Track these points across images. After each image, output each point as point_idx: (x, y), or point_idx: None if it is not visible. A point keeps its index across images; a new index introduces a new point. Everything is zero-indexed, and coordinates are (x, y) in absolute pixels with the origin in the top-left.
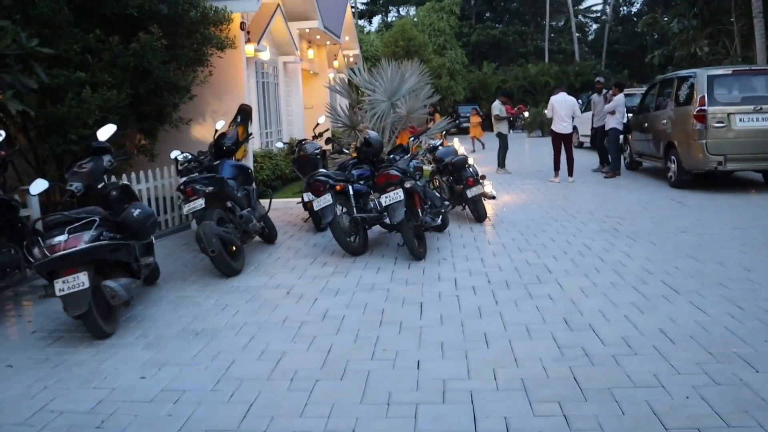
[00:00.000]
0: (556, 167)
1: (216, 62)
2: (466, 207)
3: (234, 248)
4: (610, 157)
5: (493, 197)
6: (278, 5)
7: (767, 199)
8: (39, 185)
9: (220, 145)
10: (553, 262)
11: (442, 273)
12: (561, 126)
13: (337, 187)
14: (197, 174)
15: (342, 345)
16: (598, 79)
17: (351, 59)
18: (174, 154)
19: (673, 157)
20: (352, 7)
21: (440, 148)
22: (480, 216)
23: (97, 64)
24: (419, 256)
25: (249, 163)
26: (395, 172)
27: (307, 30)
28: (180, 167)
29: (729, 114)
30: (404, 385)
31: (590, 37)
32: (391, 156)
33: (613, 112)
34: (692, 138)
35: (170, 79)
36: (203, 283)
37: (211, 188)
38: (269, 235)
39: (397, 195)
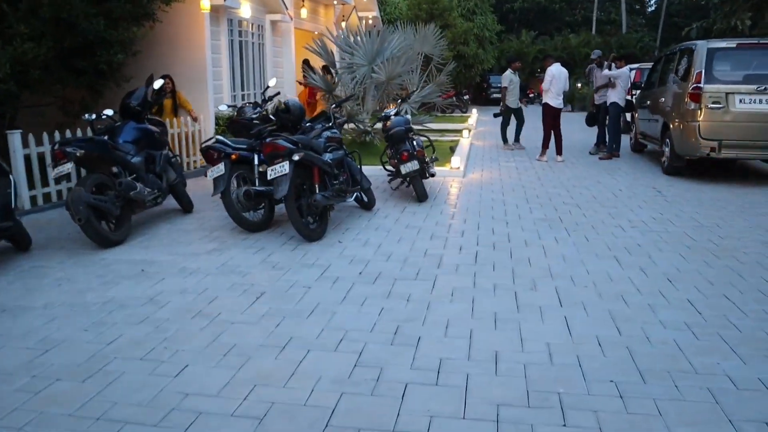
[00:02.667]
0: (545, 145)
1: (173, 17)
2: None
3: (116, 217)
4: (608, 136)
5: (432, 175)
6: None
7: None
8: None
9: (125, 105)
10: (455, 254)
11: (322, 258)
12: (557, 100)
13: (233, 156)
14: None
15: (142, 331)
16: (594, 53)
17: (370, 21)
18: (88, 116)
19: (668, 140)
20: None
21: (393, 117)
22: (418, 195)
23: (14, 14)
24: (309, 237)
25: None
26: (283, 143)
27: None
28: (99, 127)
29: (727, 94)
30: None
31: (650, 9)
32: (308, 124)
33: (614, 86)
34: (686, 119)
35: (101, 33)
36: (71, 254)
37: (82, 151)
38: (185, 205)
39: (282, 168)
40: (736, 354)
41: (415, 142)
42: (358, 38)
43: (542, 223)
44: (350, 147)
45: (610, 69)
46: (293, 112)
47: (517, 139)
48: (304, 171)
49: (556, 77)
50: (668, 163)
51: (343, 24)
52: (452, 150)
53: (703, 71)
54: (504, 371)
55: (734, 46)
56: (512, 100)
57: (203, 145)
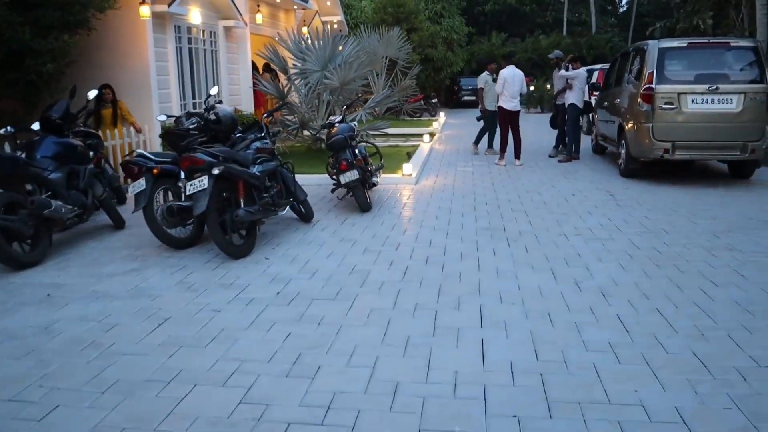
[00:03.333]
0: (503, 149)
1: (114, 25)
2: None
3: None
4: (567, 138)
5: (374, 185)
6: None
7: (723, 195)
8: None
9: (46, 118)
10: (383, 270)
11: (243, 277)
12: (511, 103)
13: (154, 170)
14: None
15: (22, 366)
16: (553, 54)
17: (335, 26)
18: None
19: (623, 142)
20: None
21: (338, 124)
22: (360, 205)
23: None
24: (233, 254)
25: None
26: (201, 156)
27: None
28: (18, 142)
29: (679, 94)
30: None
31: (622, 9)
32: (238, 135)
33: (571, 87)
34: (639, 120)
35: (27, 43)
36: None
37: None
38: (115, 221)
39: (201, 183)
40: (657, 379)
41: (357, 150)
42: (311, 43)
43: (485, 233)
44: (305, 155)
45: (567, 70)
46: (224, 122)
47: (490, 144)
48: (227, 185)
49: (508, 80)
50: (624, 165)
51: (305, 29)
52: (409, 156)
53: (655, 71)
54: (399, 407)
55: (685, 45)
56: (489, 102)
57: (123, 160)
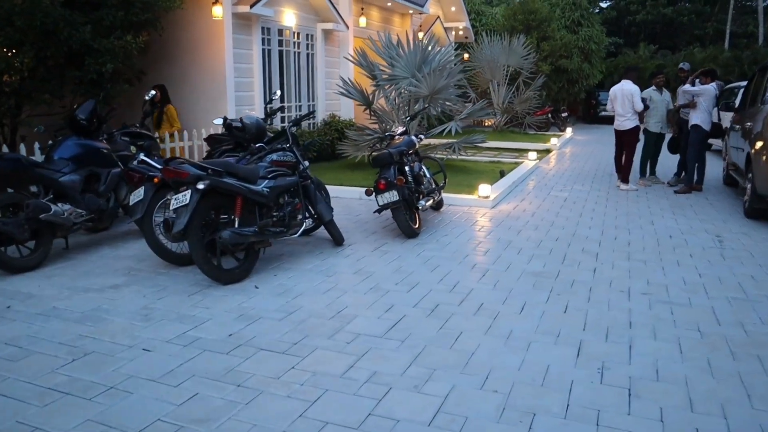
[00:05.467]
0: (617, 170)
1: (192, 24)
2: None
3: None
4: (688, 164)
5: (435, 207)
6: None
7: None
8: None
9: (72, 117)
10: (371, 318)
11: (214, 309)
12: (617, 121)
13: (155, 179)
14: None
15: None
16: (681, 65)
17: (460, 32)
18: (38, 128)
19: (750, 174)
20: None
21: (398, 138)
22: (402, 230)
23: None
24: (219, 279)
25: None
26: (187, 168)
27: None
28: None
29: None
30: None
31: None
32: (258, 145)
33: (695, 106)
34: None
35: (87, 42)
36: None
37: None
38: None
39: (184, 198)
40: None
41: (407, 168)
42: (401, 49)
43: (529, 279)
44: None
45: (693, 84)
46: (248, 130)
47: (643, 173)
48: (222, 200)
49: (617, 97)
50: (748, 203)
51: (421, 34)
52: (502, 174)
53: None
54: None
55: None
56: (653, 122)
57: (127, 166)
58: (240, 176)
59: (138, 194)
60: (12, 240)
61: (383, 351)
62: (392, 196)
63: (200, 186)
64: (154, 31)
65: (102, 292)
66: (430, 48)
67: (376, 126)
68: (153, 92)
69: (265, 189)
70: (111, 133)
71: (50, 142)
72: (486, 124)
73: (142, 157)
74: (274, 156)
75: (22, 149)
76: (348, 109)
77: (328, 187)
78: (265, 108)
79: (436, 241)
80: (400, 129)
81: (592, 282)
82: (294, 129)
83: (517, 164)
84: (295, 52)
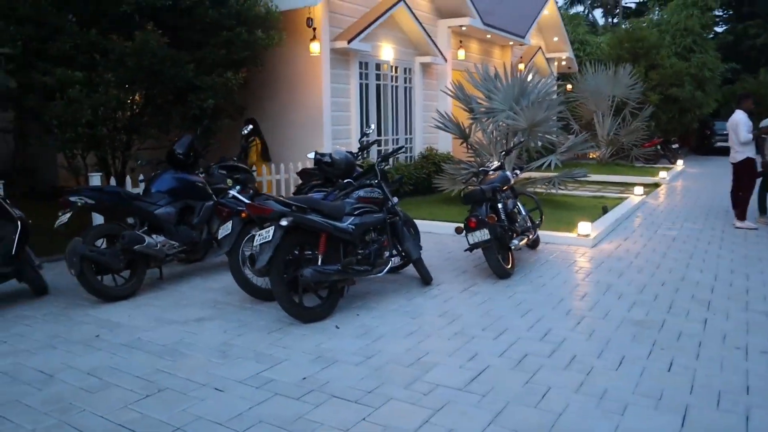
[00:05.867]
0: (733, 206)
1: (292, 59)
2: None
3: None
4: None
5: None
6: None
7: None
8: None
9: (170, 152)
10: (448, 368)
11: (292, 349)
12: (730, 153)
13: (243, 214)
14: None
15: None
16: None
17: (563, 63)
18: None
19: None
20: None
21: (492, 174)
22: (493, 270)
23: (105, 63)
24: (300, 317)
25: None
26: (271, 204)
27: (463, 28)
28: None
29: None
30: None
31: None
32: (346, 181)
33: None
34: None
35: (190, 80)
36: (67, 307)
37: (85, 201)
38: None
39: (267, 234)
40: None
41: (500, 205)
42: (499, 81)
43: (629, 328)
44: None
45: None
46: (337, 165)
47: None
48: (306, 237)
49: (731, 126)
50: None
51: (521, 66)
52: (605, 210)
53: None
54: None
55: None
56: None
57: (217, 200)
58: (324, 213)
59: (226, 228)
60: (108, 269)
61: (462, 406)
62: (483, 234)
63: (283, 223)
64: (254, 68)
65: (186, 325)
66: (529, 79)
67: (473, 160)
68: (250, 126)
69: (350, 226)
70: (209, 166)
71: (141, 176)
72: (590, 156)
73: (232, 192)
74: (361, 192)
75: (128, 181)
76: (446, 143)
77: (421, 222)
78: (360, 142)
79: (529, 283)
80: (495, 164)
81: (703, 335)
82: (383, 165)
83: (622, 199)
84: (392, 86)
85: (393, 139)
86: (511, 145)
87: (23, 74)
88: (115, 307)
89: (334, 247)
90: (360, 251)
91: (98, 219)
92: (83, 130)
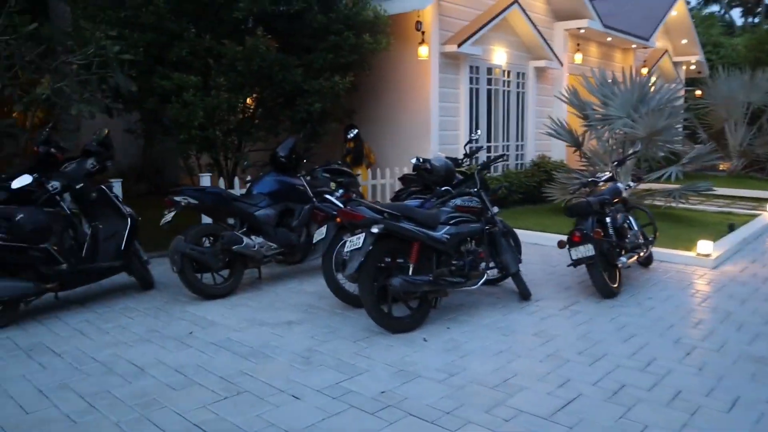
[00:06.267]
0: None
1: (400, 64)
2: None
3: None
4: None
5: (645, 263)
6: (514, 1)
7: None
8: (22, 180)
9: (273, 154)
10: (530, 385)
11: (368, 359)
12: None
13: (338, 219)
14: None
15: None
16: None
17: (692, 67)
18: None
19: None
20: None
21: (603, 185)
22: (598, 289)
23: (219, 68)
24: (389, 327)
25: None
26: (363, 211)
27: (581, 30)
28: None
29: None
30: None
31: None
32: (443, 188)
33: None
34: None
35: (298, 84)
36: (168, 301)
37: (188, 201)
38: None
39: (358, 241)
40: None
41: (609, 219)
42: (616, 88)
43: (748, 365)
44: None
45: None
46: (436, 171)
47: None
48: (399, 245)
49: None
50: None
51: (644, 70)
52: (731, 228)
53: None
54: None
55: None
56: None
57: (313, 205)
58: (418, 221)
59: (321, 233)
60: (207, 268)
61: None
62: (587, 250)
63: (374, 230)
64: (362, 72)
65: (275, 328)
66: (650, 85)
67: (586, 169)
68: (355, 131)
69: (445, 236)
70: (313, 169)
71: (248, 177)
72: (720, 168)
73: (332, 197)
74: (458, 201)
75: (236, 182)
76: (560, 150)
77: (526, 232)
78: (465, 148)
79: (637, 305)
80: (606, 175)
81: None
82: (483, 173)
83: (753, 217)
84: (504, 91)
85: (503, 146)
86: (625, 155)
87: (144, 79)
88: (212, 305)
89: (427, 257)
90: (454, 262)
91: (208, 219)
92: (196, 132)
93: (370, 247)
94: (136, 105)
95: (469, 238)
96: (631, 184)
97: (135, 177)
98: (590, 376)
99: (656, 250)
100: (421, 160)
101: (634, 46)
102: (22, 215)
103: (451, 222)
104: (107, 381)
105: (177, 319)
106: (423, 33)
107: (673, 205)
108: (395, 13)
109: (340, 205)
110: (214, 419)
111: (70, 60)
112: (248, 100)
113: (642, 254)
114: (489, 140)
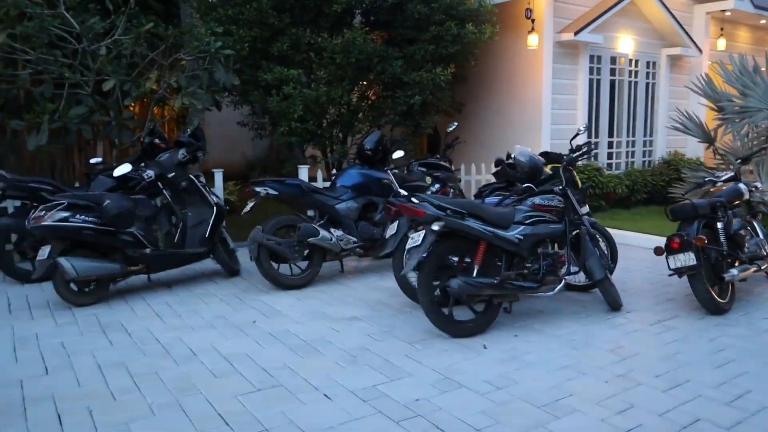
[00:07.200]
0: None
1: (513, 55)
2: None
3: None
4: None
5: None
6: None
7: None
8: (122, 168)
9: (360, 147)
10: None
11: (440, 362)
12: None
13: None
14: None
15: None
16: None
17: None
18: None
19: None
20: None
21: (723, 185)
22: (701, 303)
23: (319, 61)
24: (448, 331)
25: None
26: (423, 206)
27: (727, 13)
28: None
29: None
30: None
31: None
32: (525, 185)
33: None
34: None
35: (397, 76)
36: (245, 290)
37: (267, 192)
38: None
39: (418, 238)
40: None
41: (721, 225)
42: (759, 76)
43: None
44: None
45: None
46: (519, 167)
47: None
48: (465, 245)
49: None
50: None
51: None
52: None
53: None
54: None
55: None
56: None
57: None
58: (486, 219)
59: (393, 228)
60: (285, 258)
61: None
62: (688, 258)
63: (435, 227)
64: (468, 63)
65: (336, 323)
66: None
67: (720, 168)
68: (455, 124)
69: (517, 236)
70: (409, 162)
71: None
72: None
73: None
74: (536, 199)
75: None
76: (696, 147)
77: (639, 236)
78: (570, 143)
79: (748, 325)
80: (727, 174)
81: None
82: (570, 169)
83: None
84: (630, 82)
85: (628, 141)
86: (753, 151)
87: (250, 73)
88: (285, 295)
89: (496, 258)
90: (528, 265)
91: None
92: (296, 125)
93: (431, 245)
94: (244, 98)
95: (549, 240)
96: (758, 185)
97: (262, 168)
98: (660, 405)
99: None
100: (510, 155)
101: None
102: (108, 201)
103: (527, 221)
104: (159, 363)
105: (247, 308)
106: (533, 21)
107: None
108: (504, 1)
109: (403, 200)
110: (238, 410)
111: (181, 56)
112: (350, 93)
113: (764, 267)
114: (611, 136)
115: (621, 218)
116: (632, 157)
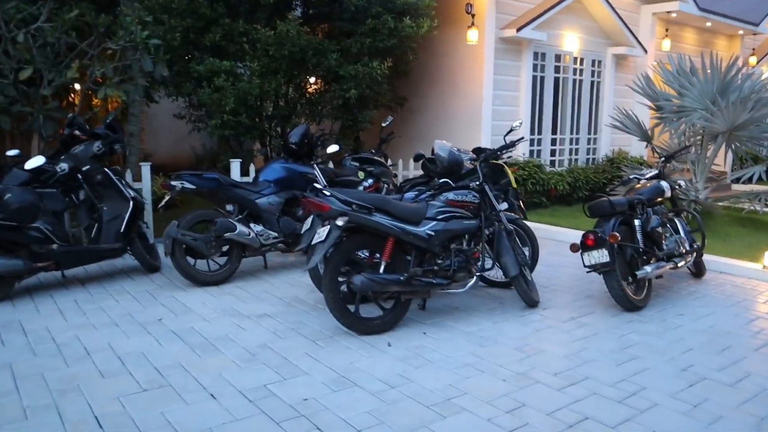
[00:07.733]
0: None
1: (455, 49)
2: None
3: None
4: None
5: (700, 273)
6: None
7: None
8: (34, 161)
9: (285, 141)
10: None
11: (339, 361)
12: None
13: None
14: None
15: None
16: None
17: None
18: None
19: None
20: None
21: (644, 183)
22: (616, 300)
23: (253, 53)
24: (351, 327)
25: None
26: (330, 201)
27: (672, 14)
28: None
29: None
30: None
31: None
32: (441, 181)
33: None
34: None
35: (333, 69)
36: (165, 286)
37: (183, 186)
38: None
39: (322, 233)
40: None
41: (638, 222)
42: (695, 77)
43: (758, 409)
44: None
45: None
46: (440, 162)
47: None
48: (373, 241)
49: None
50: None
51: (752, 59)
52: None
53: None
54: None
55: None
56: None
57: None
58: (395, 215)
59: (307, 223)
60: (201, 254)
61: None
62: (601, 255)
63: (339, 222)
64: (407, 57)
65: (244, 320)
66: (736, 73)
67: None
68: (391, 118)
69: (428, 232)
70: (343, 157)
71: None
72: None
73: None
74: (450, 195)
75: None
76: (640, 145)
77: (574, 232)
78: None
79: (660, 322)
80: (651, 172)
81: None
82: (485, 165)
83: None
84: (575, 80)
85: (572, 138)
86: (675, 150)
87: (182, 64)
88: (201, 292)
89: (407, 254)
90: (439, 261)
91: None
92: (228, 118)
93: (335, 241)
94: (177, 91)
95: (462, 236)
96: (681, 183)
97: (210, 161)
98: (551, 403)
99: (718, 260)
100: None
101: (741, 32)
102: (9, 195)
103: (440, 217)
104: (47, 363)
105: (156, 305)
106: (473, 16)
107: (757, 209)
108: None
109: (307, 194)
110: (117, 412)
111: (108, 46)
112: (287, 86)
113: (680, 265)
114: (555, 133)
115: (561, 215)
116: (576, 154)
